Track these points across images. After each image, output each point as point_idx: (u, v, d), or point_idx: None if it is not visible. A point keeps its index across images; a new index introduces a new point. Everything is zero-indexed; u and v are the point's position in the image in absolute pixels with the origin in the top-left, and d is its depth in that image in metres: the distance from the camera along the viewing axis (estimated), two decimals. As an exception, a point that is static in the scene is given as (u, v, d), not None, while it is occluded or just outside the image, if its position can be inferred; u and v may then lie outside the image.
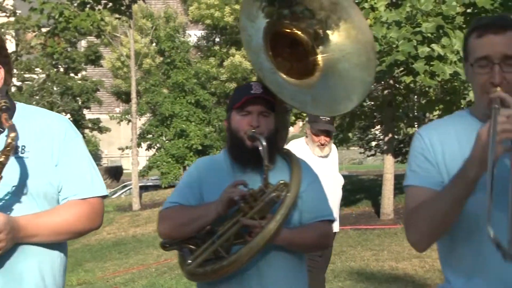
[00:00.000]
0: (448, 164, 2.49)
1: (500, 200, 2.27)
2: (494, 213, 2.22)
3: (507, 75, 2.42)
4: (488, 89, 2.43)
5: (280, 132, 3.36)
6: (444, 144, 2.53)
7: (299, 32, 3.50)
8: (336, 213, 6.53)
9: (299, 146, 6.51)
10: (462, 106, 16.75)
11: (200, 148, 26.51)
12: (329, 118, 6.34)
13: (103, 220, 2.95)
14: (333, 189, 6.50)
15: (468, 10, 13.87)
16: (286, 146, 6.80)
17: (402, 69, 13.88)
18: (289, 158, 3.34)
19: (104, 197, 2.89)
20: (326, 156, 6.52)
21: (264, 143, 3.09)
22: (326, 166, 6.46)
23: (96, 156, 46.09)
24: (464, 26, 13.83)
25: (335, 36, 3.51)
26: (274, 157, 3.25)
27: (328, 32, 3.50)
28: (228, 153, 3.32)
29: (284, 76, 3.35)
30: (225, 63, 29.86)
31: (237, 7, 29.40)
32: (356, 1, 13.62)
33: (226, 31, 31.19)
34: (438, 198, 2.38)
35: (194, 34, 33.36)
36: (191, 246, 3.20)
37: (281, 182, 3.15)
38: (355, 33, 3.51)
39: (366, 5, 13.62)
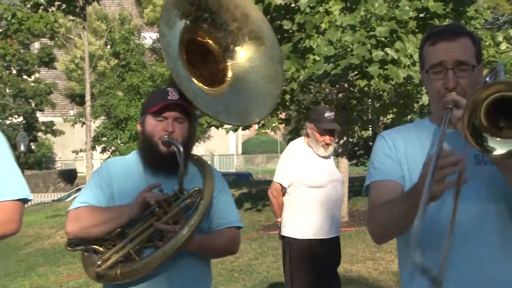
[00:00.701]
0: (410, 165, 2.55)
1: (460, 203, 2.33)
2: (457, 217, 2.29)
3: (461, 80, 2.49)
4: (443, 94, 2.50)
5: (191, 139, 3.38)
6: (407, 146, 2.60)
7: (211, 42, 3.55)
8: (339, 214, 6.57)
9: (300, 147, 6.45)
10: (415, 109, 16.96)
11: (155, 151, 26.40)
12: (333, 116, 6.26)
13: (20, 225, 2.89)
14: (341, 190, 6.54)
15: (421, 15, 14.04)
16: (287, 148, 6.73)
17: (356, 72, 13.96)
18: (201, 165, 3.38)
19: (24, 200, 2.84)
20: (328, 157, 6.46)
21: (181, 149, 3.12)
22: (329, 166, 6.45)
23: (50, 160, 45.52)
24: (417, 30, 14.01)
25: (245, 48, 3.59)
26: (187, 164, 3.29)
27: (239, 43, 3.58)
28: (141, 156, 3.31)
29: (199, 84, 3.41)
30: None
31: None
32: (311, 5, 13.70)
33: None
34: (395, 202, 2.43)
35: (149, 37, 33.23)
36: (97, 248, 3.19)
37: (195, 188, 3.18)
38: (263, 47, 3.60)
39: (321, 9, 13.68)
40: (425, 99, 14.45)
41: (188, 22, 3.38)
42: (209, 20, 3.49)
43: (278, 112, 16.02)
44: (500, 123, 2.18)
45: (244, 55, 3.57)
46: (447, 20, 14.01)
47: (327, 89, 19.40)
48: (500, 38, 14.55)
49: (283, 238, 6.39)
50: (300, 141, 6.54)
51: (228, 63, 3.55)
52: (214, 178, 3.29)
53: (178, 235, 3.08)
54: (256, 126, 16.30)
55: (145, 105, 3.37)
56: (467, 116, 2.14)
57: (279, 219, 6.41)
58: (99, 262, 3.11)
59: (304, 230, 6.25)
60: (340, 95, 15.86)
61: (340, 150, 16.25)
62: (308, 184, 6.24)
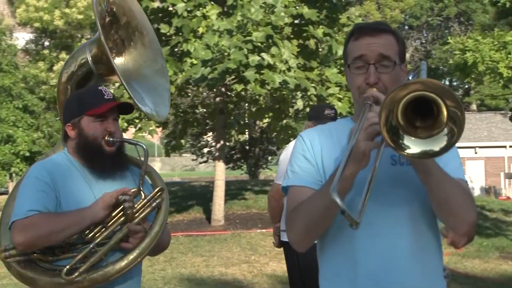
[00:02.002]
0: (326, 166, 2.51)
1: (375, 200, 2.36)
2: (371, 213, 2.34)
3: (382, 76, 2.44)
4: (364, 90, 2.44)
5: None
6: (324, 146, 2.54)
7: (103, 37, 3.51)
8: None
9: None
10: (290, 114, 17.26)
11: (28, 154, 25.59)
12: (333, 114, 6.04)
13: None
14: None
15: (296, 21, 14.32)
16: (287, 148, 6.43)
17: (233, 77, 14.08)
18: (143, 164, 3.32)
19: None
20: None
21: (145, 147, 3.15)
22: None
23: None
24: (292, 36, 14.28)
25: (136, 42, 3.59)
26: (127, 163, 3.28)
27: (130, 37, 3.58)
28: (81, 158, 3.20)
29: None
30: (55, 68, 29.04)
31: (67, 10, 28.72)
32: (189, 9, 13.71)
33: (56, 35, 30.37)
34: (314, 198, 2.37)
35: (22, 37, 32.22)
36: (39, 257, 3.06)
37: (159, 187, 3.19)
38: (148, 40, 3.59)
39: (198, 13, 13.71)
40: (299, 104, 14.75)
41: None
42: (110, 14, 3.47)
43: (155, 116, 15.91)
44: (416, 122, 2.18)
45: (135, 49, 3.56)
46: (320, 27, 14.35)
47: (204, 93, 19.46)
48: (371, 46, 15.04)
49: (285, 244, 6.01)
50: None
51: (119, 60, 3.52)
52: (161, 179, 3.31)
53: (151, 234, 3.07)
54: (133, 130, 16.09)
55: (77, 106, 3.22)
56: (385, 115, 2.13)
57: (278, 224, 6.08)
58: (65, 271, 2.96)
59: None
60: (217, 99, 15.94)
61: (217, 154, 16.34)
62: None
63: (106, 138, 3.14)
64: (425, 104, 2.13)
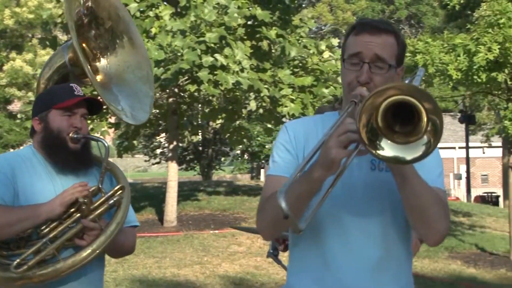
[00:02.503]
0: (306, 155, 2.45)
1: (349, 203, 2.40)
2: (344, 217, 2.38)
3: (375, 77, 2.42)
4: (354, 87, 2.42)
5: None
6: (309, 139, 2.53)
7: (82, 40, 3.51)
8: None
9: None
10: (243, 115, 17.29)
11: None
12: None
13: None
14: None
15: (249, 22, 14.36)
16: None
17: (186, 77, 14.05)
18: (108, 164, 3.30)
19: None
20: None
21: (107, 144, 3.13)
22: None
23: None
24: (245, 37, 14.30)
25: (120, 48, 3.58)
26: (91, 160, 3.27)
27: (114, 42, 3.58)
28: (45, 153, 3.17)
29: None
30: (5, 67, 28.61)
31: (17, 10, 28.32)
32: (141, 10, 13.64)
33: (6, 34, 29.92)
34: (290, 188, 2.27)
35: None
36: None
37: (120, 186, 3.19)
38: (135, 48, 3.60)
39: (151, 13, 13.65)
40: (253, 105, 14.78)
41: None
42: (89, 17, 3.46)
43: (108, 116, 15.81)
44: (396, 127, 2.17)
45: (118, 55, 3.56)
46: (274, 28, 14.41)
47: (157, 94, 19.36)
48: (323, 47, 15.16)
49: None
50: None
51: (100, 63, 3.53)
52: (125, 177, 3.30)
53: (106, 232, 3.05)
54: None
55: (47, 100, 3.22)
56: (365, 118, 2.12)
57: None
58: (15, 264, 2.93)
59: None
60: (170, 100, 15.89)
61: (169, 154, 16.28)
62: None
63: (71, 134, 3.13)
64: (406, 110, 2.12)
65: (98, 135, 15.82)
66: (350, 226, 2.44)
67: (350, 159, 2.24)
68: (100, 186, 3.15)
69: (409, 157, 2.13)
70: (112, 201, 3.14)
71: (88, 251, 3.02)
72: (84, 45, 3.53)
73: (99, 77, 3.54)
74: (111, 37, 3.57)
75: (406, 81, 2.58)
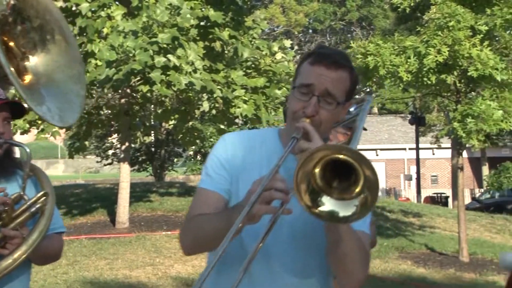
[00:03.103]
0: (241, 179, 2.46)
1: (276, 234, 2.32)
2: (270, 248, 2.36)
3: (322, 111, 2.38)
4: (299, 117, 2.38)
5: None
6: (246, 159, 2.49)
7: (10, 38, 3.42)
8: None
9: None
10: (196, 116, 17.26)
11: None
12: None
13: None
14: None
15: (202, 23, 14.34)
16: None
17: (139, 78, 13.97)
18: (33, 169, 3.18)
19: None
20: None
21: (28, 150, 3.00)
22: None
23: None
24: (198, 38, 14.28)
25: (50, 46, 3.50)
26: (13, 166, 3.15)
27: (43, 40, 3.49)
28: None
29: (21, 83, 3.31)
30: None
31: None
32: (93, 9, 13.52)
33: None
34: (212, 217, 2.33)
35: None
36: None
37: (43, 192, 3.06)
38: (66, 46, 3.53)
39: (102, 13, 13.54)
40: (205, 106, 14.77)
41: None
42: (14, 15, 3.37)
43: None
44: (334, 183, 2.13)
45: (48, 53, 3.47)
46: (226, 29, 14.42)
47: (109, 94, 19.21)
48: (275, 48, 15.22)
49: None
50: None
51: (29, 62, 3.43)
52: (50, 182, 3.16)
53: (28, 240, 2.93)
54: (36, 131, 15.76)
55: None
56: (304, 184, 2.09)
57: None
58: None
59: None
60: (123, 100, 15.80)
61: (121, 155, 16.18)
62: None
63: None
64: (344, 168, 2.09)
65: (48, 136, 15.66)
66: (274, 258, 2.43)
67: (276, 214, 2.19)
68: (21, 193, 3.03)
69: (341, 213, 2.11)
70: (34, 208, 3.01)
71: (9, 260, 2.92)
72: (12, 43, 3.45)
73: (28, 77, 3.43)
74: (40, 36, 3.47)
75: (353, 108, 2.61)
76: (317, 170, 2.10)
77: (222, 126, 16.81)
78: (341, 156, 2.06)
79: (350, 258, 2.31)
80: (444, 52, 11.94)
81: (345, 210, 2.10)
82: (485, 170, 41.67)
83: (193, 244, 2.43)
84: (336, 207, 2.11)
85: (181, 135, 17.30)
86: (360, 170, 2.06)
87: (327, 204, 2.11)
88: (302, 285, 2.46)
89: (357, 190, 2.09)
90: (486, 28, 12.38)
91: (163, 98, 15.63)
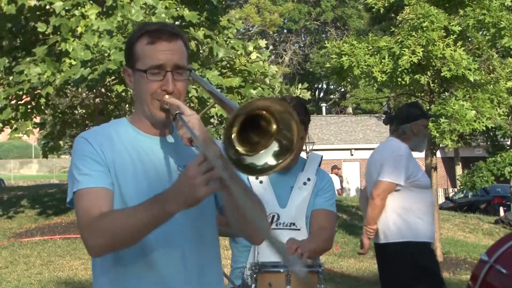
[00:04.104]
0: (119, 174, 2.45)
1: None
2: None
3: (177, 84, 2.47)
4: (159, 96, 2.46)
5: None
6: (115, 152, 2.48)
7: None
8: None
9: (406, 147, 5.85)
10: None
11: None
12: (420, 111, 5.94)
13: None
14: None
15: (177, 23, 14.32)
16: (394, 147, 5.71)
17: (114, 77, 13.92)
18: None
19: None
20: None
21: None
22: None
23: None
24: (173, 38, 14.26)
25: None
26: None
27: None
28: None
29: None
30: None
31: None
32: (67, 8, 13.46)
33: None
34: (128, 216, 2.27)
35: None
36: None
37: None
38: None
39: (76, 12, 13.48)
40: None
41: None
42: None
43: (33, 116, 15.55)
44: (253, 139, 2.19)
45: None
46: (201, 28, 14.42)
47: (84, 94, 19.12)
48: (250, 48, 15.24)
49: (382, 246, 5.81)
50: (400, 142, 5.87)
51: None
52: None
53: None
54: (9, 130, 15.65)
55: None
56: (232, 159, 2.14)
57: (375, 226, 5.71)
58: None
59: (425, 233, 5.64)
60: (97, 100, 15.74)
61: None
62: (421, 185, 5.73)
63: None
64: (249, 122, 2.16)
65: (22, 135, 15.56)
66: (171, 232, 2.47)
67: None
68: None
69: (272, 161, 2.19)
70: None
71: None
72: None
73: None
74: None
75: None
76: (234, 136, 2.14)
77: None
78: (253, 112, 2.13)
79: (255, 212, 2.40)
80: (419, 52, 12.03)
81: (275, 157, 2.19)
82: (459, 169, 42.00)
83: (109, 243, 2.30)
84: (269, 158, 2.19)
85: (156, 135, 17.27)
86: (266, 112, 2.15)
87: (263, 159, 2.18)
88: (199, 251, 2.51)
89: (274, 128, 2.17)
90: (459, 28, 12.50)
91: (138, 98, 15.57)
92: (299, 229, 3.85)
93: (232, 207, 2.46)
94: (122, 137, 2.54)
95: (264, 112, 2.16)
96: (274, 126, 2.18)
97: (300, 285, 3.40)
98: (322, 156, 4.17)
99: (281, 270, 3.44)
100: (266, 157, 2.20)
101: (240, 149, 2.17)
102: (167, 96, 2.45)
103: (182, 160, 2.53)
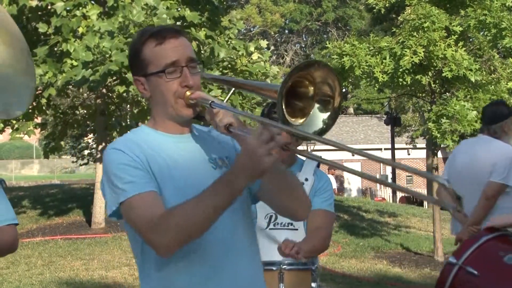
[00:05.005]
0: (155, 174, 2.42)
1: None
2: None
3: (194, 77, 2.48)
4: (182, 93, 2.45)
5: None
6: (147, 156, 2.44)
7: None
8: None
9: None
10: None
11: None
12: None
13: None
14: None
15: (178, 23, 14.32)
16: (508, 149, 5.71)
17: (115, 78, 13.92)
18: None
19: None
20: None
21: None
22: None
23: None
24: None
25: None
26: None
27: None
28: None
29: None
30: None
31: None
32: (68, 8, 13.46)
33: None
34: (195, 205, 2.25)
35: None
36: None
37: None
38: (10, 39, 3.49)
39: (78, 12, 13.47)
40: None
41: None
42: None
43: (34, 116, 15.56)
44: (297, 105, 2.33)
45: None
46: (203, 29, 14.42)
47: (85, 94, 19.14)
48: (252, 48, 15.24)
49: None
50: (504, 143, 5.85)
51: None
52: None
53: None
54: (10, 130, 15.66)
55: None
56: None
57: (479, 226, 5.57)
58: None
59: None
60: (99, 100, 15.74)
61: (98, 155, 16.12)
62: None
63: None
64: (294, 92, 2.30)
65: (23, 135, 15.57)
66: (221, 240, 2.50)
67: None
68: None
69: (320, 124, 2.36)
70: None
71: None
72: None
73: None
74: None
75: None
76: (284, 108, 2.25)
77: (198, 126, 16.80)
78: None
79: (296, 185, 2.55)
80: (420, 53, 12.03)
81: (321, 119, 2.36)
82: (460, 170, 41.94)
83: (181, 237, 2.28)
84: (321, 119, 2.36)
85: (157, 135, 17.28)
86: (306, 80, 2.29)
87: (316, 121, 2.34)
88: (234, 240, 2.51)
89: (312, 90, 2.32)
90: (461, 29, 12.49)
91: (139, 98, 15.59)
92: (296, 229, 3.86)
93: (280, 185, 2.48)
94: (149, 143, 2.51)
95: (299, 78, 2.27)
96: (312, 88, 2.31)
97: (292, 282, 3.42)
98: (320, 157, 4.17)
99: (274, 268, 3.47)
100: (315, 120, 2.34)
101: (293, 120, 2.29)
102: (188, 93, 2.44)
103: (211, 153, 2.56)
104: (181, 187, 2.42)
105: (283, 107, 2.23)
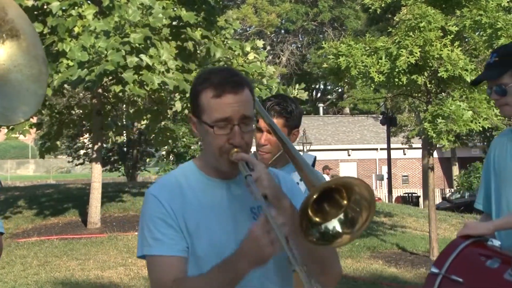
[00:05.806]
0: (190, 227, 2.42)
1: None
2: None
3: (245, 135, 2.41)
4: (228, 150, 2.40)
5: None
6: (185, 207, 2.44)
7: None
8: None
9: None
10: (168, 116, 17.24)
11: None
12: None
13: None
14: None
15: (174, 23, 14.33)
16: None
17: (111, 78, 13.91)
18: None
19: None
20: None
21: None
22: None
23: None
24: (170, 38, 14.27)
25: (7, 46, 3.45)
26: None
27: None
28: None
29: None
30: None
31: None
32: (64, 8, 13.45)
33: None
34: (206, 281, 2.28)
35: None
36: None
37: None
38: (26, 45, 3.48)
39: (73, 12, 13.47)
40: (178, 106, 14.76)
41: None
42: None
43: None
44: (325, 208, 2.31)
45: (6, 51, 3.39)
46: (199, 29, 14.43)
47: (81, 94, 19.12)
48: (248, 48, 15.25)
49: None
50: None
51: None
52: None
53: None
54: (5, 130, 15.64)
55: None
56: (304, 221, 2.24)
57: None
58: None
59: None
60: (94, 100, 15.72)
61: (93, 155, 16.11)
62: None
63: None
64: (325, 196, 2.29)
65: (18, 135, 15.55)
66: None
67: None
68: None
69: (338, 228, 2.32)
70: None
71: None
72: None
73: None
74: None
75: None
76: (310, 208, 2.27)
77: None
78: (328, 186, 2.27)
79: (327, 258, 2.50)
80: (416, 53, 12.03)
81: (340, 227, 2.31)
82: (455, 170, 42.04)
83: None
84: (337, 227, 2.31)
85: (153, 135, 17.29)
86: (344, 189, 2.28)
87: (331, 227, 2.31)
88: None
89: (345, 202, 2.30)
90: (456, 29, 12.50)
91: (135, 98, 15.60)
92: None
93: (310, 257, 2.43)
94: (193, 185, 2.49)
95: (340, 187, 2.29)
96: (345, 201, 2.30)
97: None
98: (315, 157, 4.17)
99: None
100: (334, 223, 2.31)
101: (313, 218, 2.29)
102: (235, 150, 2.40)
103: (255, 201, 2.46)
104: (216, 244, 2.40)
105: (311, 201, 2.24)
